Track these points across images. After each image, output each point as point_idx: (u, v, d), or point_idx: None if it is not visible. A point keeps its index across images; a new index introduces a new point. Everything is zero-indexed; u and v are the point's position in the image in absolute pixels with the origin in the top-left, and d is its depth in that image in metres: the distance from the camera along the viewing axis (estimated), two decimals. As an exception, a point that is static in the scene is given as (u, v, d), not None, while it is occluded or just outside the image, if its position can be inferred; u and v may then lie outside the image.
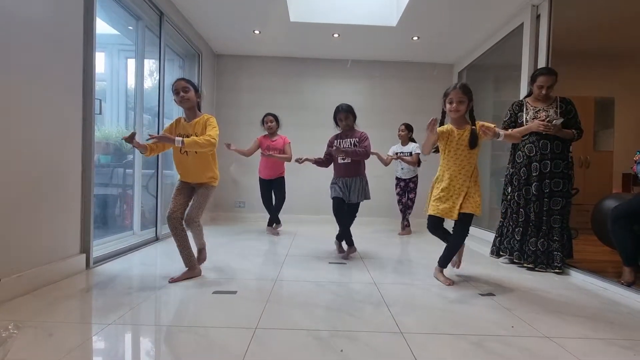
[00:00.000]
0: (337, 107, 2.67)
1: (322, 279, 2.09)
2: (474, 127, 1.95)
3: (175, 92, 2.00)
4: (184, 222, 2.03)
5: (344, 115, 2.62)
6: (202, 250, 2.25)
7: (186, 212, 2.04)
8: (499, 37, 3.61)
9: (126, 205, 3.16)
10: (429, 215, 2.08)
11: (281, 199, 3.61)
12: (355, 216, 2.74)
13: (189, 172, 2.07)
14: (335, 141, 2.71)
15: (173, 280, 1.94)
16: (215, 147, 2.00)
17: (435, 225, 2.10)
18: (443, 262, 2.14)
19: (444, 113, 2.08)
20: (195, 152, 2.00)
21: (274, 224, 3.68)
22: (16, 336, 1.25)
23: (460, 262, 2.24)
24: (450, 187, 2.00)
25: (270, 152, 3.42)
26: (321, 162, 2.75)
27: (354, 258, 2.67)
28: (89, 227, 2.12)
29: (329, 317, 1.52)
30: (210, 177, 2.10)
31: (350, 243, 2.71)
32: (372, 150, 2.71)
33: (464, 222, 2.01)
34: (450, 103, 1.96)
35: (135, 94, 3.02)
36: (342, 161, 2.65)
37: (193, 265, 2.05)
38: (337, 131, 2.75)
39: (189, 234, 2.07)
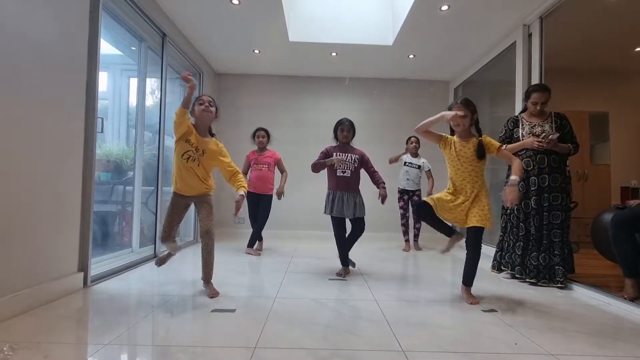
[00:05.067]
0: (340, 120, 2.68)
1: (322, 297, 2.06)
2: (480, 138, 1.98)
3: (200, 102, 2.04)
4: (202, 236, 2.05)
5: (347, 127, 2.64)
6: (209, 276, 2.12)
7: (202, 225, 2.07)
8: (493, 55, 3.70)
9: (125, 222, 3.15)
10: (424, 201, 2.04)
11: (264, 216, 3.47)
12: (363, 230, 2.69)
13: (195, 183, 2.06)
14: (335, 153, 2.64)
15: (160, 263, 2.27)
16: None
17: (425, 210, 2.02)
18: (467, 280, 2.03)
19: (452, 129, 2.09)
20: (198, 165, 2.03)
21: (256, 242, 3.53)
22: (11, 358, 1.23)
23: (448, 250, 2.13)
24: (454, 196, 2.01)
25: (282, 192, 3.42)
26: (317, 167, 2.63)
27: (354, 274, 2.64)
28: (87, 246, 2.11)
29: (329, 336, 1.49)
30: (208, 186, 2.14)
31: (345, 263, 2.66)
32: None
33: (473, 235, 1.97)
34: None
35: (136, 112, 3.07)
36: (342, 174, 2.60)
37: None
38: (334, 144, 2.73)
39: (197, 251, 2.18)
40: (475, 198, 1.98)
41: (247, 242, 3.55)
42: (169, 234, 2.09)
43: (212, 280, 2.08)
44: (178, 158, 2.02)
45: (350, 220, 2.66)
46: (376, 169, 2.71)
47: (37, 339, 1.39)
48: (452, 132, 2.09)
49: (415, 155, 3.87)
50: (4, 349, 1.28)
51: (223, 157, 2.12)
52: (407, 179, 3.82)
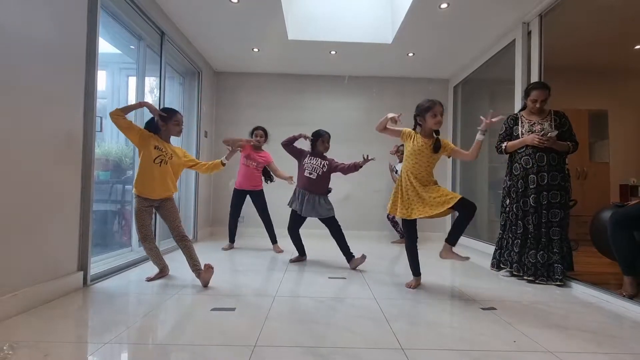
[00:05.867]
0: (321, 132, 2.91)
1: (321, 295, 2.07)
2: (438, 137, 2.19)
3: (178, 123, 2.31)
4: (179, 241, 2.26)
5: (327, 139, 2.90)
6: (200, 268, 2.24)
7: (175, 231, 2.26)
8: (492, 53, 3.70)
9: (125, 221, 3.15)
10: (403, 220, 2.23)
11: (265, 212, 3.49)
12: (340, 227, 2.84)
13: (162, 185, 2.24)
14: (309, 156, 2.90)
15: (150, 279, 2.27)
16: None
17: (410, 228, 2.24)
18: (453, 240, 2.11)
19: (416, 125, 2.27)
20: (167, 164, 2.26)
21: (276, 243, 3.56)
22: (11, 357, 1.23)
23: (413, 287, 2.26)
24: (414, 190, 2.15)
25: (290, 178, 3.37)
26: (290, 141, 2.90)
27: (354, 273, 2.65)
28: (87, 245, 2.11)
29: (328, 334, 1.50)
30: (175, 189, 2.34)
31: (302, 252, 3.03)
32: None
33: (466, 204, 2.03)
34: (435, 116, 2.14)
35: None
36: (309, 175, 2.82)
37: (165, 266, 2.38)
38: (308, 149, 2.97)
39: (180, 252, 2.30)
40: (434, 186, 2.16)
41: (245, 240, 3.58)
42: (146, 234, 2.23)
43: (210, 280, 2.17)
44: (149, 163, 2.18)
45: (322, 222, 2.86)
46: (346, 165, 2.83)
47: (37, 337, 1.39)
48: (414, 129, 2.28)
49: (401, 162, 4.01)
50: (4, 347, 1.29)
51: (187, 157, 2.41)
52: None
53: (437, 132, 2.22)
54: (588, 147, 4.48)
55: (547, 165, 2.39)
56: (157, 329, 1.56)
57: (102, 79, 3.42)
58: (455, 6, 2.97)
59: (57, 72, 1.90)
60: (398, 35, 3.54)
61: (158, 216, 3.13)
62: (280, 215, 4.31)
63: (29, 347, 1.30)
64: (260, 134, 3.48)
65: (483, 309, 1.87)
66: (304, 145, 3.01)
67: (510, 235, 2.59)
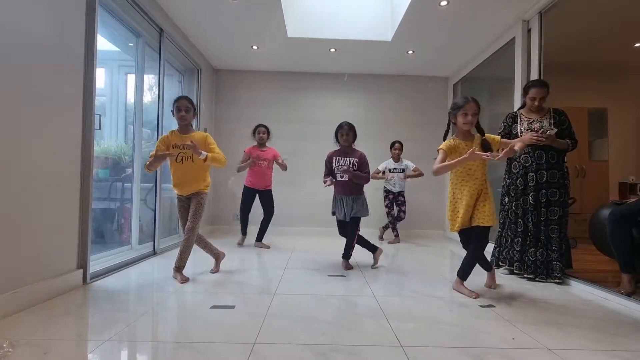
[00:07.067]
0: (340, 124, 2.77)
1: (321, 292, 2.07)
2: (484, 137, 2.04)
3: (178, 109, 2.25)
4: (185, 232, 2.27)
5: (346, 131, 2.72)
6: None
7: (188, 221, 2.27)
8: (492, 51, 3.69)
9: (124, 219, 3.15)
10: (459, 232, 2.13)
11: (270, 213, 3.58)
12: (357, 229, 2.74)
13: (187, 182, 2.25)
14: (335, 157, 2.77)
15: (214, 272, 2.41)
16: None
17: (466, 240, 2.14)
18: (463, 274, 2.09)
19: (449, 126, 2.15)
20: (193, 162, 2.23)
21: (260, 240, 3.62)
22: (11, 355, 1.23)
23: (494, 283, 2.24)
24: (463, 199, 2.05)
25: (281, 160, 3.52)
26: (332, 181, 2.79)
27: (353, 271, 2.65)
28: (86, 243, 2.11)
29: (328, 331, 1.50)
30: (205, 185, 2.32)
31: (348, 256, 2.73)
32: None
33: (480, 234, 2.03)
34: (466, 116, 1.97)
35: (134, 109, 3.05)
36: (341, 179, 2.73)
37: (218, 253, 2.51)
38: (336, 147, 2.80)
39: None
40: (481, 195, 2.04)
41: (246, 238, 3.59)
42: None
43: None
44: (172, 163, 2.24)
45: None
46: (368, 173, 2.74)
47: (37, 335, 1.39)
48: (447, 133, 2.16)
49: (397, 160, 4.04)
50: (4, 345, 1.29)
51: (209, 145, 2.30)
52: (394, 183, 4.03)
53: (482, 132, 2.04)
54: (587, 145, 4.48)
55: (546, 163, 2.40)
56: (156, 326, 1.57)
57: (101, 77, 3.41)
58: (455, 4, 2.96)
59: (56, 69, 1.89)
60: (398, 33, 3.53)
61: (157, 215, 3.14)
62: (280, 214, 4.33)
63: (29, 345, 1.30)
64: (263, 130, 3.54)
65: (482, 306, 1.88)
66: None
67: (510, 234, 2.59)
